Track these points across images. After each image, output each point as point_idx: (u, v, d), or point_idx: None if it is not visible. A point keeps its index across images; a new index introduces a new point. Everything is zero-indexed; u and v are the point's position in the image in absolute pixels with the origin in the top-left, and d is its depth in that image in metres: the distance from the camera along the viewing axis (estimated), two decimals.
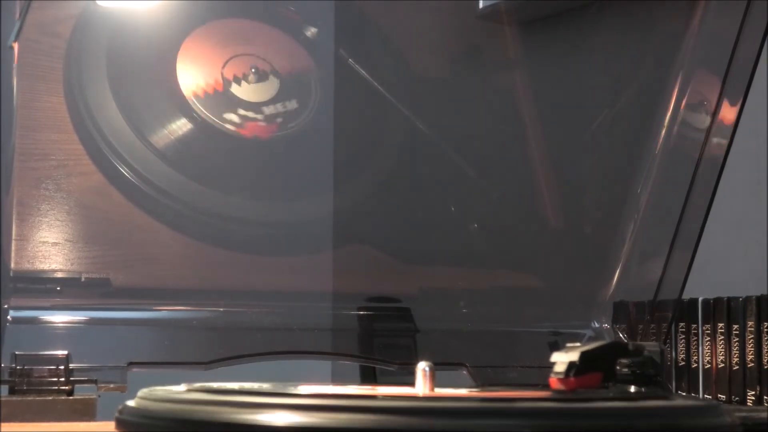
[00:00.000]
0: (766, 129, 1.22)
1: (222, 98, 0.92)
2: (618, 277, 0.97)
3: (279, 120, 0.94)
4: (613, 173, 1.00)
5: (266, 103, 0.93)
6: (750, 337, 0.86)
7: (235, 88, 0.92)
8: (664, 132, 0.95)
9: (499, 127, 1.01)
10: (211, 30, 0.93)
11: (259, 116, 0.93)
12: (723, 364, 0.88)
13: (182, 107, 0.91)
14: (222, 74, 0.92)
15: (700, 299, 0.91)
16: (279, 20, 0.96)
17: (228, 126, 0.92)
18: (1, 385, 0.76)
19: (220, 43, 0.92)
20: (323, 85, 0.96)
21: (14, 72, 0.79)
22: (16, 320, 0.80)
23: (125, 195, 0.88)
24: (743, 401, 0.86)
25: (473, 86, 1.01)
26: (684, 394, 0.91)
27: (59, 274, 0.84)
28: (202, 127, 0.91)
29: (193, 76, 0.91)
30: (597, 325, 0.96)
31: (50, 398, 0.75)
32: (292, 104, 0.94)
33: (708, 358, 0.89)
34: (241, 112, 0.92)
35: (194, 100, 0.91)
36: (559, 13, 1.00)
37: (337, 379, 1.13)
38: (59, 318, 0.82)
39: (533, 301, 0.99)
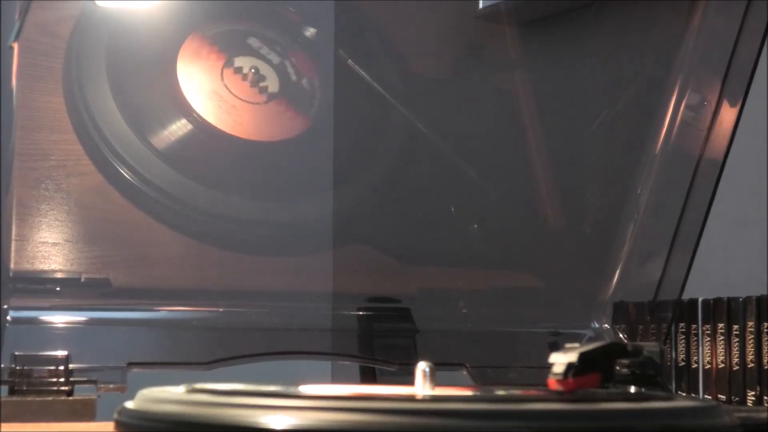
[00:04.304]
0: (766, 129, 1.22)
1: (222, 98, 0.92)
2: (618, 278, 0.97)
3: (279, 120, 0.94)
4: (613, 173, 1.00)
5: (266, 104, 0.93)
6: (750, 338, 0.86)
7: (234, 89, 0.92)
8: (664, 132, 0.95)
9: (499, 127, 1.01)
10: (211, 30, 0.93)
11: (259, 116, 0.93)
12: (723, 365, 0.88)
13: (182, 108, 0.91)
14: (222, 74, 0.92)
15: (700, 299, 0.91)
16: (279, 20, 0.96)
17: (228, 126, 0.92)
18: (1, 385, 0.76)
19: (220, 44, 0.92)
20: (323, 85, 0.96)
21: (14, 72, 0.79)
22: (16, 320, 0.80)
23: (125, 195, 0.88)
24: (743, 401, 0.86)
25: (473, 86, 1.01)
26: (684, 394, 0.91)
27: (59, 275, 0.84)
28: (201, 127, 0.91)
29: (192, 76, 0.91)
30: (597, 325, 0.96)
31: (50, 399, 0.75)
32: (292, 104, 0.94)
33: (708, 359, 0.89)
34: (241, 112, 0.92)
35: (194, 100, 0.91)
36: (559, 13, 1.00)
37: (337, 379, 1.13)
38: (59, 318, 0.82)
39: (533, 301, 0.99)
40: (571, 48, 1.01)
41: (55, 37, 0.87)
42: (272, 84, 0.93)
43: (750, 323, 0.86)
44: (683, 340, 0.91)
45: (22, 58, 0.83)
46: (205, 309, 0.88)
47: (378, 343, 0.91)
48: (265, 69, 0.93)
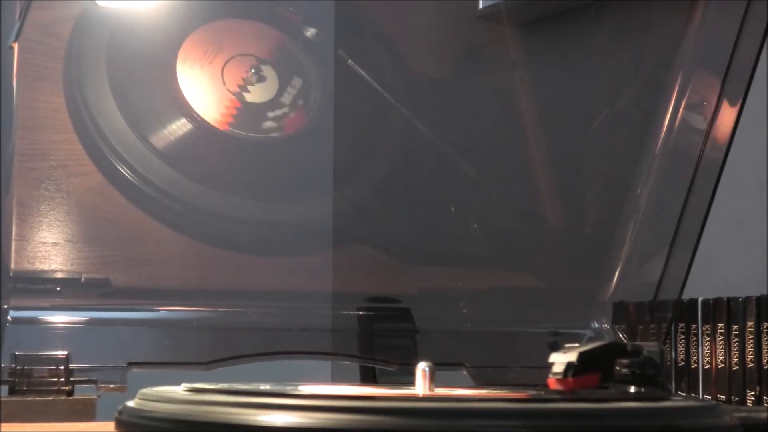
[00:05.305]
0: (766, 129, 1.21)
1: (222, 98, 0.92)
2: (618, 277, 0.97)
3: (279, 120, 0.94)
4: (613, 173, 1.00)
5: (266, 104, 0.93)
6: (750, 338, 0.86)
7: (235, 89, 0.92)
8: (664, 132, 0.95)
9: (499, 127, 1.01)
10: (211, 30, 0.93)
11: (259, 116, 0.93)
12: (723, 365, 0.88)
13: (182, 107, 0.91)
14: (222, 74, 0.92)
15: (700, 299, 0.91)
16: (279, 20, 0.96)
17: (228, 126, 0.92)
18: (1, 385, 0.76)
19: (220, 44, 0.92)
20: (323, 85, 0.96)
21: (14, 72, 0.79)
22: (16, 320, 0.80)
23: (125, 195, 0.88)
24: (743, 401, 0.86)
25: (473, 86, 1.01)
26: (684, 394, 0.91)
27: (59, 275, 0.84)
28: (201, 127, 0.91)
29: (193, 76, 0.91)
30: (597, 325, 0.96)
31: (50, 398, 0.75)
32: (292, 104, 0.94)
33: (708, 359, 0.89)
34: (241, 112, 0.92)
35: (194, 100, 0.91)
36: (559, 13, 1.00)
37: (337, 379, 1.13)
38: (59, 318, 0.82)
39: (533, 301, 0.99)
40: (571, 48, 1.01)
41: (55, 37, 0.87)
42: (272, 84, 0.93)
43: (750, 323, 0.86)
44: (683, 340, 0.91)
45: (22, 58, 0.83)
46: (205, 309, 0.88)
47: (378, 343, 0.91)
48: (265, 69, 0.93)
